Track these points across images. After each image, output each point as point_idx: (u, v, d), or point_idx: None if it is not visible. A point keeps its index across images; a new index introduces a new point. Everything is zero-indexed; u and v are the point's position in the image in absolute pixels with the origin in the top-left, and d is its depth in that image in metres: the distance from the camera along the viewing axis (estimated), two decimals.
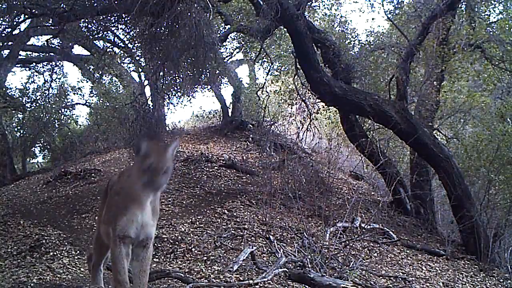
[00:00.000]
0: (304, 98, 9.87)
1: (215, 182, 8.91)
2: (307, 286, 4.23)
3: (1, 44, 9.66)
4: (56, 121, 14.08)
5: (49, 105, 13.19)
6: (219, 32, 9.91)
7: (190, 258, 5.05)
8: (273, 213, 6.71)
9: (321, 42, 8.62)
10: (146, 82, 11.18)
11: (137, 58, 10.71)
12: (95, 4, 6.71)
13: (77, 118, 15.51)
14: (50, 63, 13.17)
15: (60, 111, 14.15)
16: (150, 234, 2.65)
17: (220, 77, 10.89)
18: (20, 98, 13.06)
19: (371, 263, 5.63)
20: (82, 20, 7.32)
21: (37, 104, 13.22)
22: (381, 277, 5.13)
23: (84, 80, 14.26)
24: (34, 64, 13.71)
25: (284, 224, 6.46)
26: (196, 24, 6.09)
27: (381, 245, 6.52)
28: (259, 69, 14.61)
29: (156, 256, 5.15)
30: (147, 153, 2.51)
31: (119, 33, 9.18)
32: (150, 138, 2.88)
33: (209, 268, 4.60)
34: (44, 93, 13.15)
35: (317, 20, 10.52)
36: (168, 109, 18.07)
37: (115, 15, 7.23)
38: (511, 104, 8.20)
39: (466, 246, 7.29)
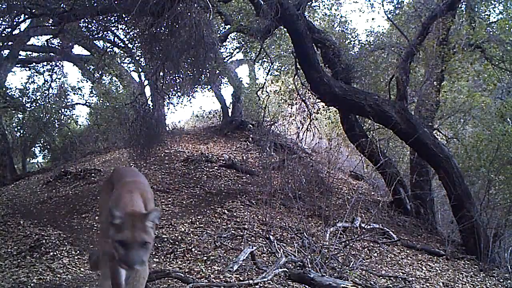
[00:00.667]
0: (304, 98, 9.86)
1: (215, 182, 8.92)
2: (307, 286, 4.24)
3: (1, 44, 9.65)
4: (56, 121, 14.07)
5: (49, 105, 13.16)
6: (219, 32, 9.90)
7: (190, 258, 5.06)
8: (273, 213, 6.70)
9: (321, 42, 8.62)
10: (146, 82, 11.17)
11: (137, 58, 10.69)
12: (95, 4, 6.69)
13: (77, 118, 15.55)
14: (50, 63, 13.12)
15: (60, 111, 14.14)
16: None
17: (220, 77, 10.88)
18: (20, 98, 13.04)
19: (371, 263, 5.63)
20: (82, 20, 7.31)
21: (37, 104, 13.20)
22: (381, 277, 5.13)
23: (84, 80, 14.25)
24: (34, 64, 13.69)
25: (284, 224, 6.46)
26: (196, 24, 6.08)
27: (381, 245, 6.52)
28: (259, 69, 14.62)
29: (156, 256, 5.15)
30: (120, 224, 2.20)
31: (119, 33, 9.18)
32: (125, 203, 2.37)
33: (209, 268, 4.60)
34: (44, 93, 13.12)
35: (317, 20, 10.51)
36: (168, 109, 18.06)
37: (115, 15, 7.22)
38: (511, 104, 8.19)
39: (466, 246, 7.29)
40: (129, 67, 13.53)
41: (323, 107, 9.96)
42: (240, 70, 30.07)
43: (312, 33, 8.07)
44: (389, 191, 8.13)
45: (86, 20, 7.39)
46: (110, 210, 2.25)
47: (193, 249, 5.28)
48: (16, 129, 14.49)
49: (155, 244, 5.25)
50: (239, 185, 8.86)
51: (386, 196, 9.40)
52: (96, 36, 8.66)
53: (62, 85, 13.88)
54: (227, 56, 12.22)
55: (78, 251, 5.35)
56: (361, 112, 7.99)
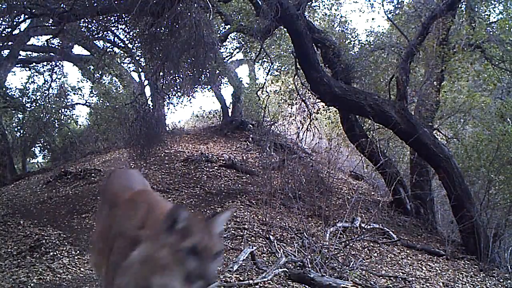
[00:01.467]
0: (304, 98, 9.86)
1: (215, 182, 8.91)
2: (307, 286, 4.24)
3: (1, 44, 9.66)
4: (56, 121, 14.09)
5: (49, 105, 13.19)
6: (219, 32, 9.92)
7: None
8: (273, 213, 6.71)
9: (321, 42, 8.63)
10: (146, 82, 11.19)
11: (137, 58, 10.72)
12: (95, 4, 6.70)
13: (77, 118, 15.56)
14: (50, 63, 13.17)
15: (60, 111, 14.16)
16: None
17: (220, 77, 10.90)
18: (20, 98, 13.07)
19: (371, 263, 5.63)
20: (82, 20, 7.32)
21: (37, 104, 13.23)
22: (381, 277, 5.13)
23: (84, 80, 14.30)
24: (34, 64, 13.72)
25: (284, 224, 6.46)
26: (196, 24, 6.08)
27: (381, 245, 6.52)
28: (259, 69, 14.63)
29: None
30: (187, 228, 1.74)
31: (119, 33, 9.18)
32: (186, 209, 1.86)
33: None
34: (44, 93, 13.14)
35: (317, 20, 10.52)
36: (168, 109, 18.07)
37: (115, 15, 7.23)
38: (511, 104, 8.19)
39: (466, 246, 7.29)
40: (129, 67, 13.58)
41: (323, 107, 9.97)
42: (240, 70, 30.16)
43: (312, 33, 8.07)
44: (389, 191, 8.13)
45: (86, 20, 7.39)
46: (170, 213, 1.75)
47: None
48: (16, 129, 14.51)
49: None
50: (239, 185, 8.86)
51: (386, 196, 9.40)
52: (96, 36, 8.67)
53: (62, 85, 13.92)
54: (227, 56, 12.25)
55: (78, 251, 5.35)
56: (361, 112, 7.99)
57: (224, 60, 11.31)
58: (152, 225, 1.83)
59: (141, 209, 1.98)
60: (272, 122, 12.27)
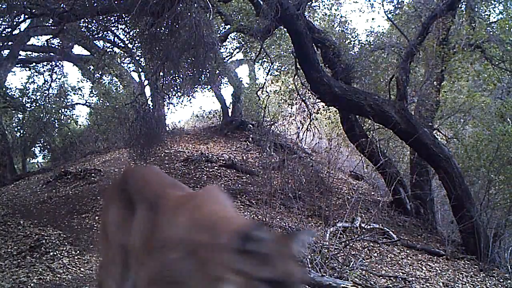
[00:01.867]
0: (304, 98, 9.86)
1: (215, 182, 8.91)
2: (307, 286, 4.24)
3: (1, 44, 9.66)
4: (56, 121, 14.09)
5: (49, 105, 13.19)
6: (219, 32, 9.92)
7: None
8: (273, 213, 6.70)
9: (321, 42, 8.62)
10: (146, 82, 11.18)
11: (137, 58, 10.72)
12: (95, 4, 6.70)
13: (77, 118, 15.56)
14: (50, 63, 13.16)
15: (60, 111, 14.16)
16: None
17: (220, 77, 10.90)
18: (20, 98, 13.06)
19: (371, 263, 5.63)
20: (82, 20, 7.32)
21: (37, 104, 13.22)
22: (381, 277, 5.13)
23: (84, 80, 14.29)
24: (34, 64, 13.72)
25: (284, 224, 6.46)
26: (196, 24, 6.09)
27: (381, 245, 6.52)
28: (259, 69, 14.62)
29: None
30: (264, 253, 1.44)
31: (119, 33, 9.19)
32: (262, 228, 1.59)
33: None
34: (44, 93, 13.13)
35: (317, 20, 10.51)
36: (168, 109, 18.04)
37: (115, 15, 7.23)
38: (511, 104, 8.19)
39: (466, 246, 7.28)
40: (129, 67, 13.56)
41: (323, 107, 9.96)
42: (240, 70, 30.07)
43: (312, 33, 8.06)
44: (389, 191, 8.13)
45: (86, 20, 7.40)
46: (242, 230, 1.46)
47: None
48: (16, 129, 14.50)
49: None
50: (239, 185, 8.86)
51: (386, 196, 9.40)
52: (96, 36, 8.67)
53: (62, 85, 13.91)
54: (227, 56, 12.24)
55: (78, 251, 5.35)
56: (361, 112, 7.98)
57: (224, 60, 11.31)
58: (207, 237, 1.58)
59: (195, 217, 1.72)
60: (272, 122, 12.27)
